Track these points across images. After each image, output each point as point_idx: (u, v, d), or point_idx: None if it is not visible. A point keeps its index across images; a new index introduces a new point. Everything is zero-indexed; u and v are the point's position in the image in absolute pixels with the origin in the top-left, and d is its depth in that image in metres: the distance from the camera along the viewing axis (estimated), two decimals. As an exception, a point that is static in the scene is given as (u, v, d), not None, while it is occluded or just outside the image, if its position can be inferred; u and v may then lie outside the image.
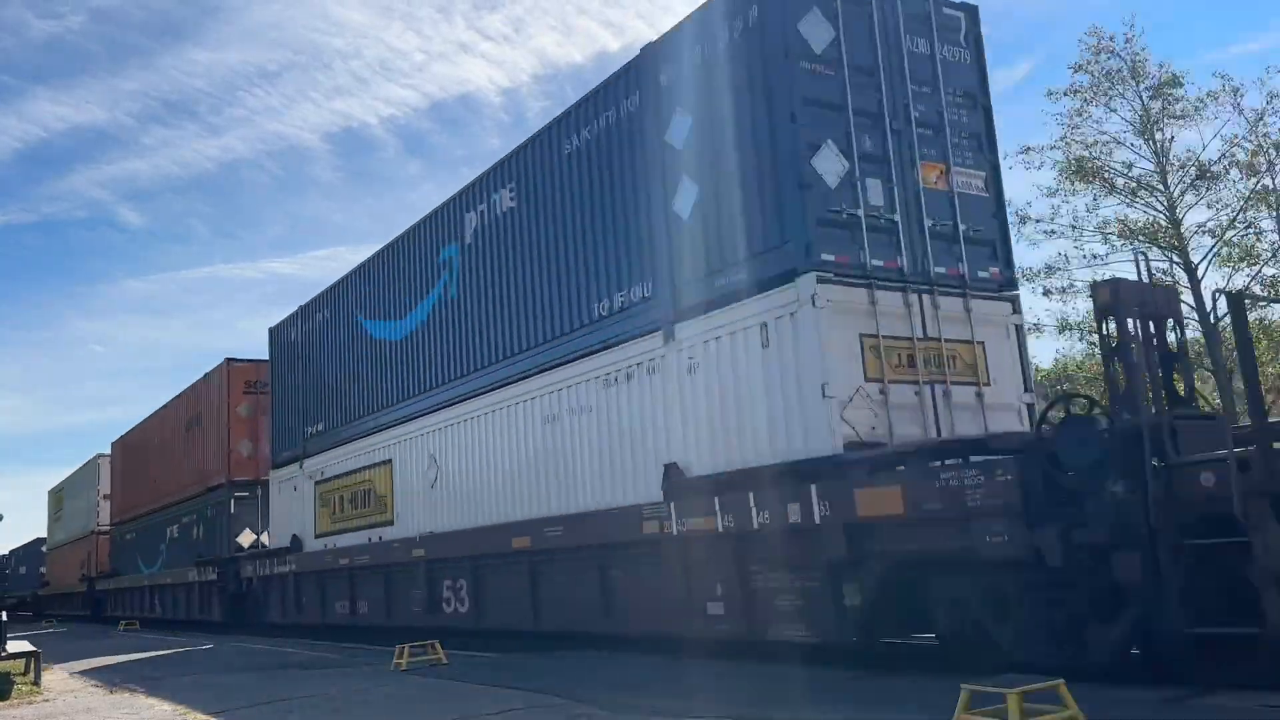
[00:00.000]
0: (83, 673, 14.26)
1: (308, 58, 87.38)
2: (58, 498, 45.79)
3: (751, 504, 9.57)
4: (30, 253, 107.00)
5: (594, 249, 12.27)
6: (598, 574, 11.84)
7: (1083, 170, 27.18)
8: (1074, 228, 27.69)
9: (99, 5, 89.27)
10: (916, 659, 9.56)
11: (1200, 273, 26.32)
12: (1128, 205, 27.50)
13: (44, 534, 48.99)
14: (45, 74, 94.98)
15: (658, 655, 11.05)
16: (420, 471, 16.07)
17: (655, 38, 11.72)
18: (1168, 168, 26.76)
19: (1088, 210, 27.60)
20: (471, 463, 14.70)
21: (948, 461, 8.33)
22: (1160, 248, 26.47)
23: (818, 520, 8.90)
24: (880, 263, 9.77)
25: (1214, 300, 24.79)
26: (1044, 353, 36.65)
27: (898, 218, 9.98)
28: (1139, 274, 8.29)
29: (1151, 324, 8.14)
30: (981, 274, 10.45)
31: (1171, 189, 26.79)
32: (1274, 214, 26.19)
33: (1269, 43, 48.55)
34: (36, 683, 12.45)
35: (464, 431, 14.90)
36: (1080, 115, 27.49)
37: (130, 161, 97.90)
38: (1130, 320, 7.80)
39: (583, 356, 12.28)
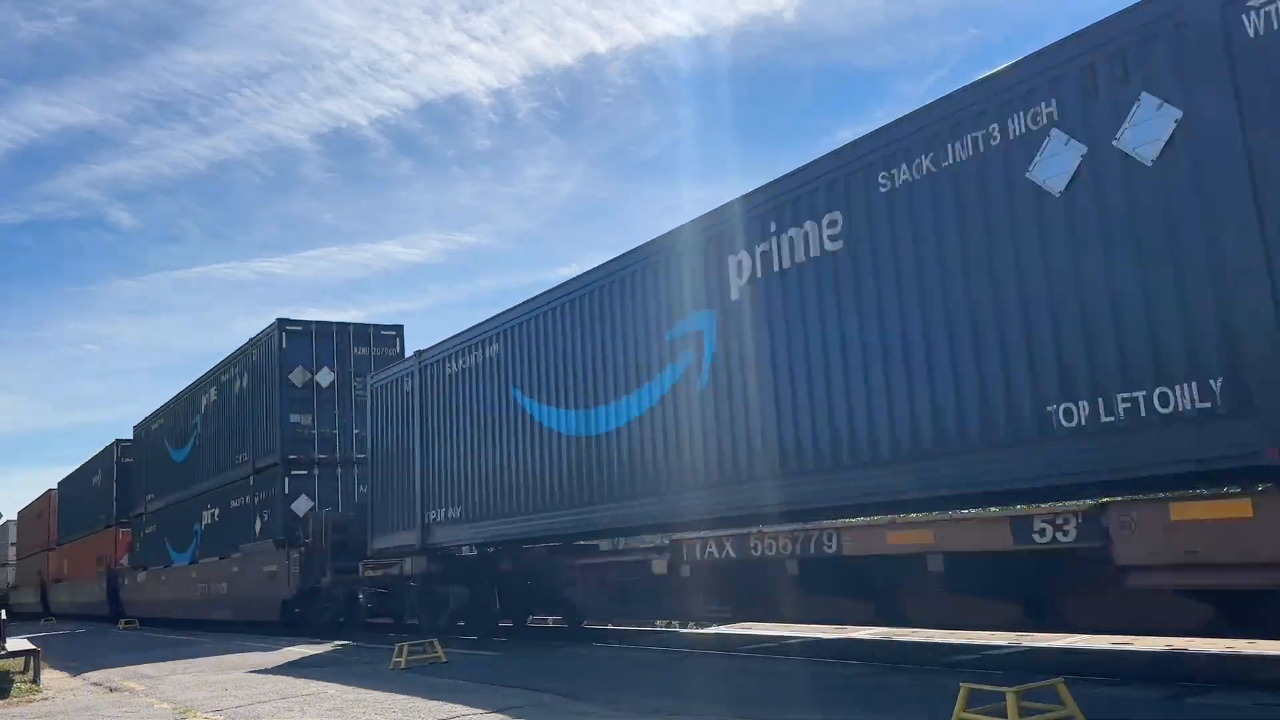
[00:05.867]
0: (82, 672, 14.26)
1: (296, 59, 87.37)
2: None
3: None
4: (22, 253, 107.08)
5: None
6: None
7: None
8: None
9: (88, 6, 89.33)
10: (916, 658, 9.57)
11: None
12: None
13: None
14: (35, 75, 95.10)
15: (658, 654, 11.06)
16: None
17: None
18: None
19: None
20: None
21: None
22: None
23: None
24: None
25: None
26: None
27: None
28: None
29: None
30: None
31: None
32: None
33: None
34: (36, 681, 12.45)
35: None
36: None
37: (121, 162, 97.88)
38: None
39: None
